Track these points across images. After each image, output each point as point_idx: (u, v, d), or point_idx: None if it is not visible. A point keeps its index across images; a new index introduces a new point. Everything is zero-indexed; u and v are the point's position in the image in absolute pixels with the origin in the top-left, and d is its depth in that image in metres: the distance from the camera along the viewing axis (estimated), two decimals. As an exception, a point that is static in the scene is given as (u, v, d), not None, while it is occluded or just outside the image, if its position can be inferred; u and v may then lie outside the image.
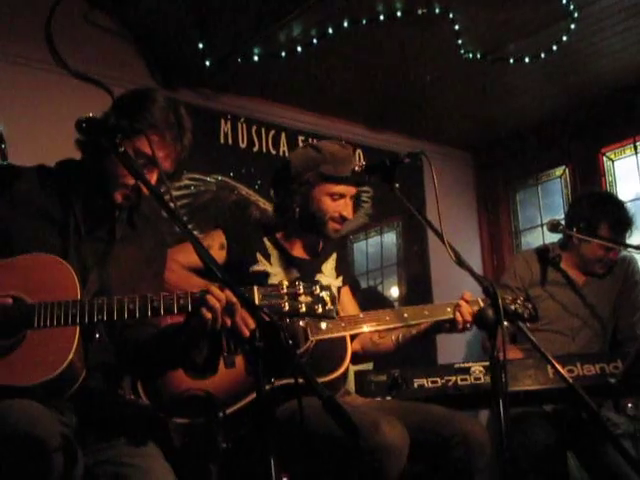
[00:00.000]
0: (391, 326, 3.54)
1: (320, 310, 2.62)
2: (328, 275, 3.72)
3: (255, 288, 2.61)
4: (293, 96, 5.95)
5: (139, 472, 2.48)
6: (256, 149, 5.90)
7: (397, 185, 3.23)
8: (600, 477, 4.29)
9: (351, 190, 3.64)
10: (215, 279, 2.42)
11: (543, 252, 4.71)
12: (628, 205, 4.81)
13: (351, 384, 3.73)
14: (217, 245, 3.54)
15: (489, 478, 3.27)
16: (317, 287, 2.65)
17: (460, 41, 5.18)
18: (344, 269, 3.86)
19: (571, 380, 2.92)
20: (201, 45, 5.06)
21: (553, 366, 2.96)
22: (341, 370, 3.39)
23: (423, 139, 6.69)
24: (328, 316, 2.65)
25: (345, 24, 4.92)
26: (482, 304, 3.43)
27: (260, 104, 5.94)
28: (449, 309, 3.47)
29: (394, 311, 3.62)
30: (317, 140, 6.04)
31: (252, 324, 2.89)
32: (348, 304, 3.78)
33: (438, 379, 3.72)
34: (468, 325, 3.41)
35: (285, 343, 2.11)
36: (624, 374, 3.71)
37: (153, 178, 2.74)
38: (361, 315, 3.60)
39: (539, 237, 6.71)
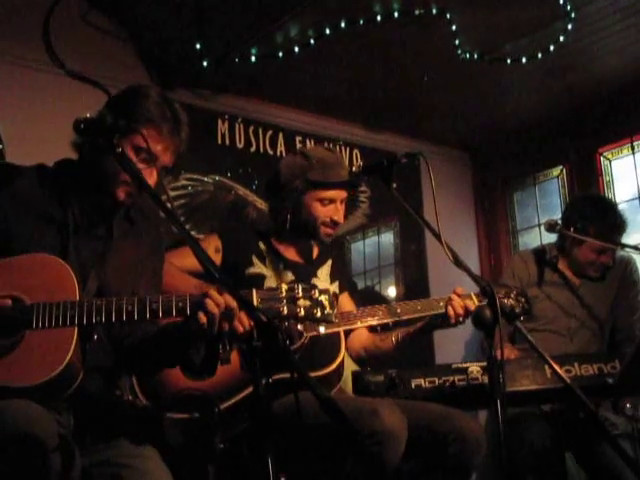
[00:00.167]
0: (384, 321, 3.57)
1: (319, 314, 2.62)
2: (323, 280, 3.75)
3: (254, 291, 2.60)
4: (290, 96, 5.95)
5: (136, 473, 2.48)
6: (253, 149, 5.90)
7: (395, 185, 3.23)
8: (598, 477, 4.30)
9: (341, 194, 3.66)
10: (213, 280, 2.42)
11: (540, 253, 4.72)
12: (624, 205, 4.81)
13: (348, 384, 3.74)
14: (212, 249, 3.56)
15: (486, 477, 3.28)
16: (316, 291, 2.64)
17: (457, 41, 5.18)
18: (340, 274, 3.87)
19: (569, 380, 2.93)
20: (198, 45, 5.06)
21: (551, 366, 2.97)
22: (335, 364, 3.41)
23: (421, 139, 6.70)
24: (327, 320, 2.65)
25: (342, 24, 4.92)
26: (474, 298, 3.46)
27: (257, 104, 5.94)
28: (442, 303, 3.50)
29: (387, 307, 3.64)
30: (314, 141, 6.09)
31: (248, 324, 2.91)
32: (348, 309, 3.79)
33: (436, 379, 3.72)
34: (460, 319, 3.44)
35: (282, 343, 2.10)
36: (622, 374, 3.71)
37: (154, 175, 2.73)
38: (354, 311, 3.62)
39: (536, 237, 6.71)
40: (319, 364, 3.37)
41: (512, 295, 3.64)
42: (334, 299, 2.71)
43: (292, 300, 2.61)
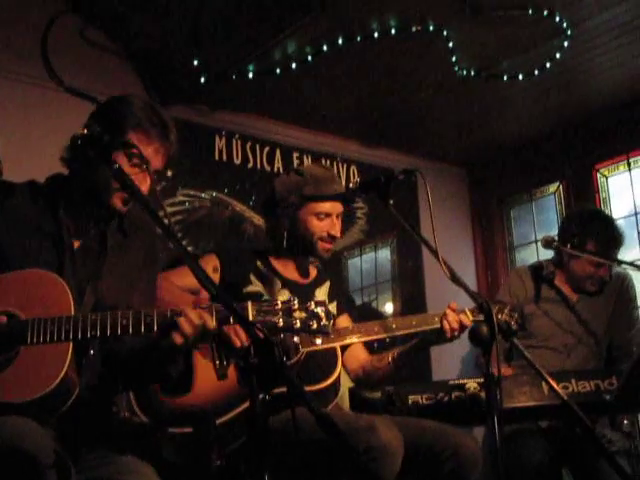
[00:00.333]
0: (380, 336, 3.57)
1: (315, 326, 2.62)
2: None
3: (249, 304, 2.60)
4: (288, 113, 5.96)
5: (132, 490, 2.48)
6: (251, 165, 5.91)
7: (392, 202, 3.23)
8: (595, 494, 4.29)
9: (337, 208, 3.66)
10: (210, 297, 2.42)
11: (537, 269, 4.71)
12: (620, 221, 4.82)
13: (345, 401, 3.74)
14: (210, 268, 3.55)
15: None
16: (312, 303, 2.64)
17: (454, 58, 5.20)
18: (338, 295, 3.87)
19: (566, 397, 2.93)
20: (196, 62, 5.07)
21: (548, 382, 2.97)
22: (331, 379, 3.41)
23: (417, 155, 6.71)
24: (323, 332, 2.65)
25: (340, 41, 4.93)
26: (469, 313, 3.46)
27: (255, 120, 5.95)
28: (436, 318, 3.50)
29: (382, 322, 3.64)
30: (311, 157, 6.11)
31: (245, 340, 2.90)
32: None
33: (433, 395, 3.72)
34: (456, 333, 3.44)
35: (279, 360, 2.10)
36: (619, 391, 3.71)
37: (147, 180, 2.74)
38: (350, 327, 3.62)
39: (533, 253, 6.71)
40: (315, 379, 3.37)
41: (505, 311, 3.65)
42: (330, 310, 2.71)
43: (288, 312, 2.61)
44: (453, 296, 3.55)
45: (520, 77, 5.40)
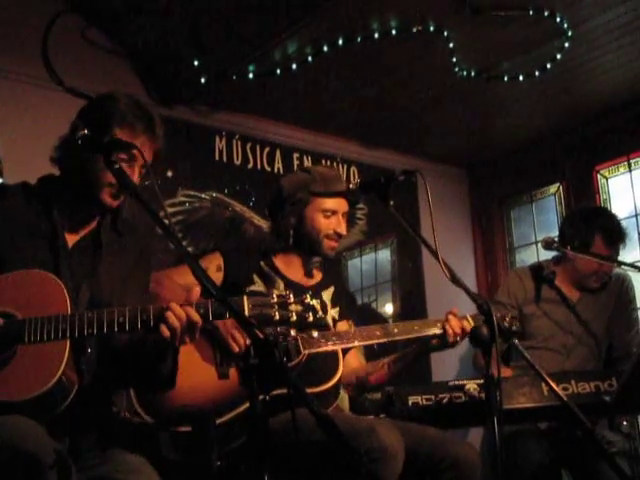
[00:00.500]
0: (381, 341, 3.56)
1: (311, 318, 2.64)
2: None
3: (245, 297, 2.61)
4: (288, 113, 5.96)
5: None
6: (251, 166, 5.91)
7: (392, 202, 3.23)
8: (595, 495, 4.28)
9: (343, 206, 3.67)
10: (209, 296, 2.43)
11: (537, 269, 4.71)
12: (622, 222, 4.83)
13: (345, 402, 3.73)
14: (214, 267, 3.56)
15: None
16: (307, 295, 2.66)
17: (455, 59, 5.20)
18: (341, 300, 3.86)
19: (566, 398, 2.92)
20: (196, 62, 5.07)
21: (548, 384, 2.96)
22: (332, 382, 3.40)
23: (417, 156, 6.71)
24: (319, 324, 2.66)
25: (340, 42, 4.93)
26: (470, 319, 3.46)
27: (255, 121, 5.95)
28: (439, 324, 3.50)
29: (384, 327, 3.63)
30: (311, 158, 6.11)
31: (244, 345, 2.90)
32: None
33: (432, 396, 3.72)
34: (458, 338, 3.43)
35: (279, 360, 2.10)
36: (619, 392, 3.71)
37: (135, 173, 2.75)
38: (352, 330, 3.61)
39: (533, 254, 6.71)
40: (317, 381, 3.36)
41: (507, 318, 3.65)
42: (326, 303, 2.71)
43: (283, 306, 2.63)
44: (453, 297, 3.56)
45: (520, 78, 5.40)
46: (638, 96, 5.81)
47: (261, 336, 2.16)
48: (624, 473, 3.03)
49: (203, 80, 5.17)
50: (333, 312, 3.76)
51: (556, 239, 4.66)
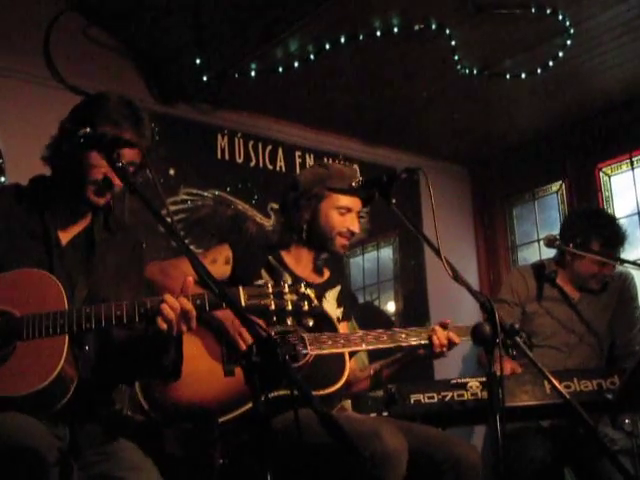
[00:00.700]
0: (388, 345, 3.53)
1: (306, 307, 2.66)
2: (331, 302, 3.72)
3: (240, 288, 2.64)
4: (290, 111, 5.96)
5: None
6: (253, 164, 5.91)
7: (394, 200, 3.23)
8: (597, 493, 4.28)
9: (357, 204, 3.66)
10: (210, 290, 2.44)
11: (539, 268, 4.71)
12: (623, 220, 4.82)
13: (347, 401, 3.72)
14: (223, 259, 3.54)
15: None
16: (302, 285, 2.68)
17: (456, 57, 5.20)
18: (346, 300, 3.85)
19: (568, 396, 2.92)
20: (199, 61, 5.07)
21: (550, 382, 2.96)
22: (338, 385, 3.38)
23: (420, 154, 6.70)
24: (315, 313, 2.67)
25: (342, 40, 4.93)
26: (457, 331, 3.45)
27: (257, 119, 5.95)
28: (424, 334, 3.47)
29: (391, 331, 3.60)
30: (313, 156, 6.11)
31: (249, 338, 2.91)
32: None
33: (435, 394, 3.72)
34: (444, 349, 3.42)
35: (282, 359, 2.10)
36: (621, 390, 3.71)
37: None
38: (360, 333, 3.58)
39: (535, 252, 6.70)
40: (323, 383, 3.33)
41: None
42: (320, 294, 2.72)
43: (279, 295, 2.64)
44: (455, 295, 3.56)
45: (523, 76, 5.40)
46: (640, 94, 5.81)
47: (263, 334, 2.16)
48: (627, 471, 3.02)
49: (205, 78, 5.17)
50: (338, 312, 3.75)
51: (558, 237, 4.65)
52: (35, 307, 2.50)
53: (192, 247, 5.30)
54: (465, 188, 7.23)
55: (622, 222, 4.81)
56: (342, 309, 3.77)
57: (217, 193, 5.67)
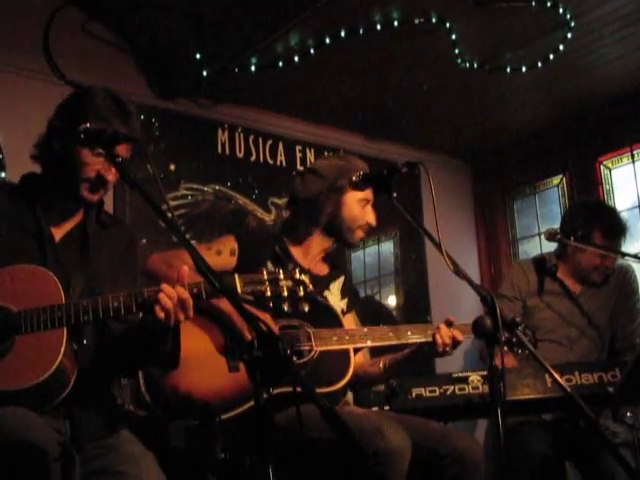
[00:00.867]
0: (393, 342, 3.52)
1: (302, 293, 2.68)
2: (335, 294, 3.72)
3: (236, 276, 2.64)
4: (291, 106, 5.96)
5: (133, 480, 2.49)
6: (253, 159, 5.91)
7: (395, 195, 3.22)
8: (598, 486, 4.29)
9: (372, 196, 3.66)
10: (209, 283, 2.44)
11: (540, 262, 4.71)
12: (624, 214, 4.82)
13: (349, 395, 3.72)
14: (228, 250, 3.52)
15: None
16: (296, 271, 2.70)
17: (457, 51, 5.19)
18: (350, 292, 3.85)
19: (569, 389, 2.92)
20: (198, 55, 5.07)
21: (551, 375, 2.96)
22: (343, 382, 3.36)
23: (420, 148, 6.70)
24: (311, 298, 2.68)
25: (342, 34, 4.93)
26: (461, 329, 3.43)
27: (257, 114, 5.95)
28: (429, 331, 3.46)
29: (396, 328, 3.60)
30: (314, 150, 6.10)
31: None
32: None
33: (436, 388, 3.72)
34: (448, 348, 3.41)
35: (283, 353, 2.10)
36: (622, 383, 3.71)
37: (112, 169, 2.74)
38: (365, 329, 3.57)
39: (536, 246, 6.70)
40: (327, 380, 3.32)
41: (519, 328, 3.62)
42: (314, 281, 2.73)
43: (274, 281, 2.66)
44: (456, 289, 3.55)
45: (523, 69, 5.40)
46: (641, 87, 5.80)
47: (264, 328, 2.16)
48: (628, 464, 3.02)
49: (205, 73, 5.17)
50: (342, 304, 3.74)
51: (559, 230, 4.65)
52: (32, 301, 2.51)
53: (193, 242, 5.30)
54: (466, 182, 7.23)
55: (623, 215, 4.80)
56: (346, 300, 3.77)
57: (217, 188, 5.66)
